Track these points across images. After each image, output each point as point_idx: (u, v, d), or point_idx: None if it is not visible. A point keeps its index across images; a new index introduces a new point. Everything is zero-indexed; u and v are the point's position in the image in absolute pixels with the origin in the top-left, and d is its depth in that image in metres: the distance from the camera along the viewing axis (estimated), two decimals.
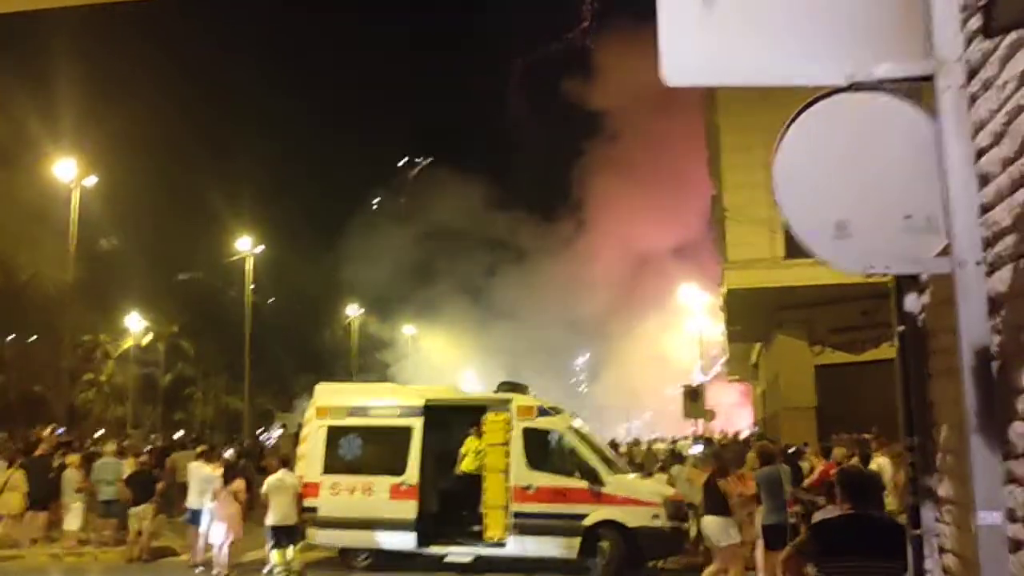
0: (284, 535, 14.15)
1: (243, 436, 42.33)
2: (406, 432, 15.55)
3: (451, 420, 16.43)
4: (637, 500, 14.57)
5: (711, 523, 11.84)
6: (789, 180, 3.25)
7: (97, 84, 50.15)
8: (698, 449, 22.69)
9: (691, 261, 52.84)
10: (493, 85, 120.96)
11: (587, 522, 14.45)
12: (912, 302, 4.01)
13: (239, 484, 14.67)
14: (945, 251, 3.14)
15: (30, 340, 43.48)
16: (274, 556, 14.11)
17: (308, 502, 15.27)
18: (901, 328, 4.00)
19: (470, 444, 16.20)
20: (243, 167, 69.31)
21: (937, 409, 3.83)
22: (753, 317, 24.32)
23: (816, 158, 3.26)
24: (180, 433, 45.28)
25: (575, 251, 72.34)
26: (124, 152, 48.02)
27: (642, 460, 26.29)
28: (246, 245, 47.63)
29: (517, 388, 16.41)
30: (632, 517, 14.36)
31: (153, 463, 19.35)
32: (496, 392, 16.42)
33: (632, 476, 16.37)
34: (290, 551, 14.16)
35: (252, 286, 47.31)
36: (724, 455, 14.23)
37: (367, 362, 69.26)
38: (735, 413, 50.15)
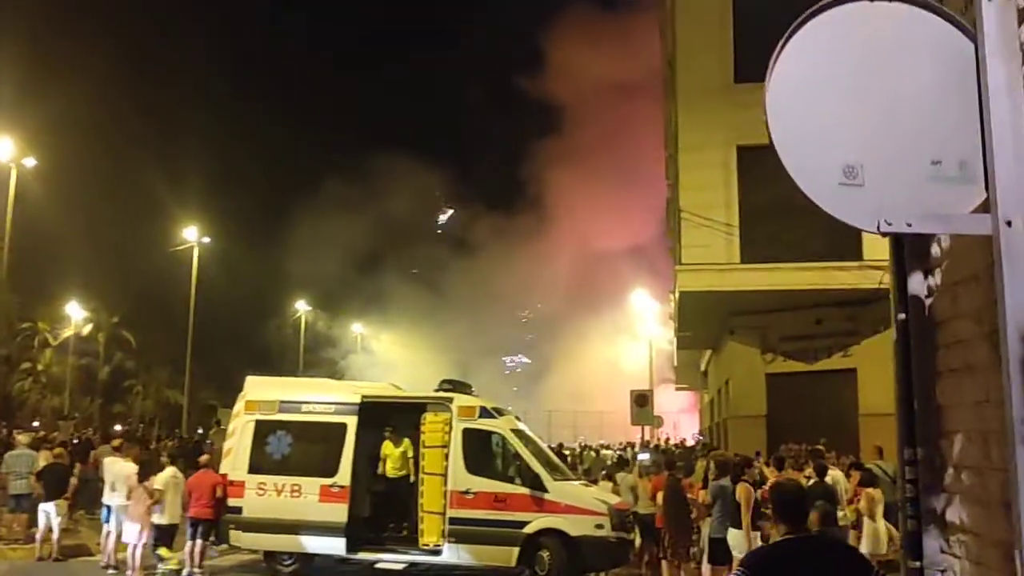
0: (170, 534, 14.06)
1: (181, 431, 41.25)
2: (340, 430, 14.68)
3: (389, 419, 15.60)
4: (581, 508, 13.89)
5: (737, 536, 11.15)
6: (786, 110, 2.50)
7: (39, 64, 48.77)
8: (645, 457, 22.10)
9: (646, 270, 52.68)
10: (449, 79, 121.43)
11: (528, 530, 13.77)
12: (919, 283, 3.30)
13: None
14: (984, 207, 2.41)
15: None
16: (163, 552, 13.92)
17: (232, 502, 14.45)
18: (902, 316, 3.29)
19: (387, 449, 15.45)
20: (193, 158, 68.21)
21: (949, 415, 3.12)
22: (705, 322, 23.78)
23: (821, 83, 2.52)
24: (118, 427, 43.96)
25: (528, 253, 72.09)
26: (68, 135, 46.71)
27: (590, 465, 25.75)
28: (193, 235, 46.23)
29: (459, 387, 15.62)
30: (575, 526, 13.69)
31: (70, 457, 18.24)
32: (437, 390, 15.58)
33: (576, 483, 15.69)
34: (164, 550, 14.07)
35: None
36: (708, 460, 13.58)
37: (315, 358, 68.14)
38: (682, 420, 50.02)
